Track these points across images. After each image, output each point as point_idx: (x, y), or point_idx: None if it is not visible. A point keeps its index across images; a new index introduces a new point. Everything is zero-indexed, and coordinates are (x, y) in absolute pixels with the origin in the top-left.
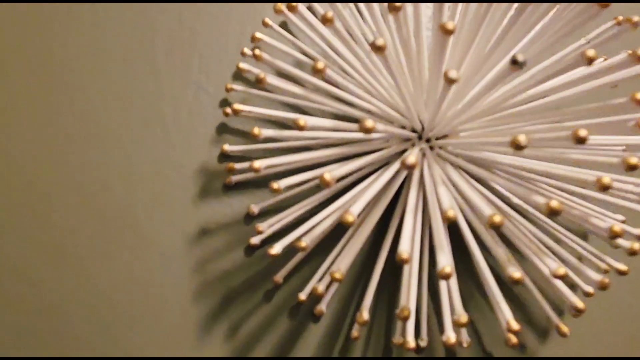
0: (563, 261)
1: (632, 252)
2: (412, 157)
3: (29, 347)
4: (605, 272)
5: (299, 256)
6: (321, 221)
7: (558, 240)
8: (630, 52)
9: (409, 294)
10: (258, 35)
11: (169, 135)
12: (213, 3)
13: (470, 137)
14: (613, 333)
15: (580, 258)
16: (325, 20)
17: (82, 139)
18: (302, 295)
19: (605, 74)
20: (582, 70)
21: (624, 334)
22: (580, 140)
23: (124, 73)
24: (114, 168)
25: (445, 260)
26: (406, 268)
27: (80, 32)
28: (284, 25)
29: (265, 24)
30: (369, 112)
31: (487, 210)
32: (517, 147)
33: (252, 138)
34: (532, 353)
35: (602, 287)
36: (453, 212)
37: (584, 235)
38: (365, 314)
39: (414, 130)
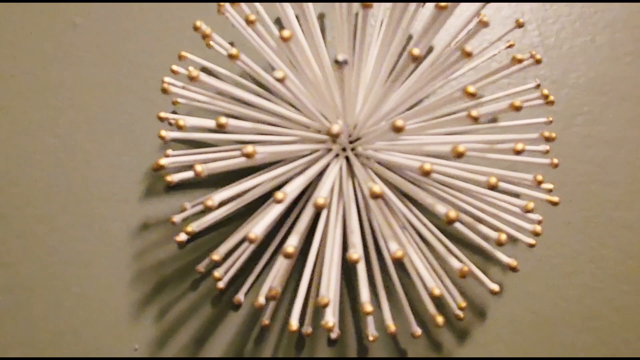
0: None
1: (499, 243)
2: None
3: None
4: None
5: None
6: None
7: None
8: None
9: (277, 274)
10: (183, 53)
11: (125, 144)
12: (171, 31)
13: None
14: (528, 333)
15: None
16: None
17: (55, 147)
18: (221, 284)
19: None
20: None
21: (535, 333)
22: (398, 130)
23: (95, 93)
24: (77, 171)
25: (292, 242)
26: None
27: (58, 54)
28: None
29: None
30: (283, 117)
31: (322, 193)
32: (333, 135)
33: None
34: (449, 353)
35: (462, 275)
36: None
37: None
38: (261, 299)
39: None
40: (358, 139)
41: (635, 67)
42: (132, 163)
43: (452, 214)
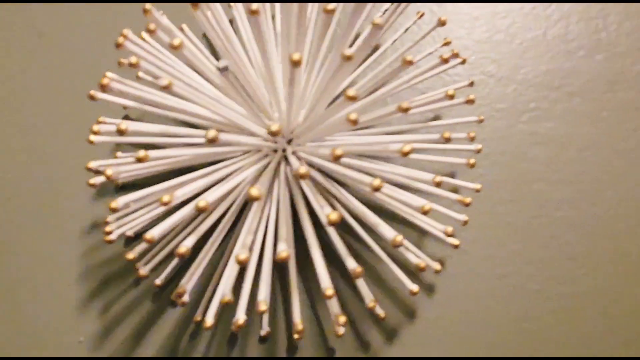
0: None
1: (395, 245)
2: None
3: None
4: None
5: (158, 247)
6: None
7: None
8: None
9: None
10: (121, 60)
11: (80, 148)
12: None
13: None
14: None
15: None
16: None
17: (16, 148)
18: (158, 281)
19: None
20: None
21: (460, 335)
22: (273, 134)
23: (54, 96)
24: (35, 170)
25: (187, 243)
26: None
27: (23, 61)
28: None
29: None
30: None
31: (208, 196)
32: (209, 140)
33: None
34: (376, 353)
35: (355, 276)
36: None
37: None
38: (186, 297)
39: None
40: (292, 140)
41: (587, 61)
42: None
43: (333, 216)
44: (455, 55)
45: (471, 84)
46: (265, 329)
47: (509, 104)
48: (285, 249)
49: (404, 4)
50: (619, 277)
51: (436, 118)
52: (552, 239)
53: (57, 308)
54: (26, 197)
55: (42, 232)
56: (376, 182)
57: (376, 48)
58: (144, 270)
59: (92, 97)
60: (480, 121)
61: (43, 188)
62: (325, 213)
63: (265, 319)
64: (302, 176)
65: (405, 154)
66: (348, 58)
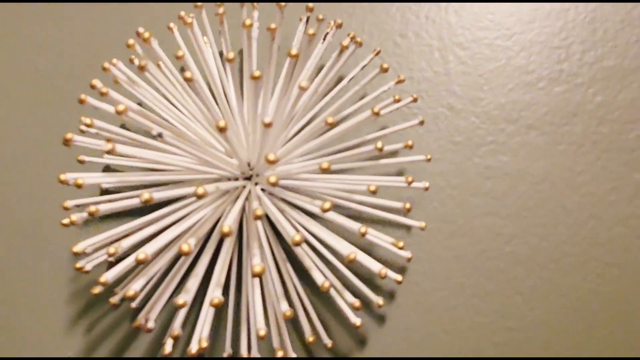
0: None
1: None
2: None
3: None
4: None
5: (134, 273)
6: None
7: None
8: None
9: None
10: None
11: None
12: None
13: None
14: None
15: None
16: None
17: (14, 179)
18: (133, 305)
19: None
20: None
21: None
22: (196, 199)
23: (49, 128)
24: (30, 203)
25: (136, 286)
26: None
27: (21, 94)
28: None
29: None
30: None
31: (147, 247)
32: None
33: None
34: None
35: (285, 318)
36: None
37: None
38: (150, 323)
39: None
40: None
41: (547, 93)
42: (77, 194)
43: (257, 268)
44: (397, 101)
45: (421, 123)
46: (227, 351)
47: (466, 137)
48: (218, 296)
49: (349, 51)
50: (564, 312)
51: (393, 153)
52: (500, 273)
53: (48, 326)
54: (20, 224)
55: (34, 257)
56: (297, 237)
57: (339, 80)
58: (114, 299)
59: (66, 144)
60: (429, 160)
61: (36, 216)
62: (252, 264)
63: (228, 341)
64: (226, 234)
65: (325, 211)
66: (267, 125)
